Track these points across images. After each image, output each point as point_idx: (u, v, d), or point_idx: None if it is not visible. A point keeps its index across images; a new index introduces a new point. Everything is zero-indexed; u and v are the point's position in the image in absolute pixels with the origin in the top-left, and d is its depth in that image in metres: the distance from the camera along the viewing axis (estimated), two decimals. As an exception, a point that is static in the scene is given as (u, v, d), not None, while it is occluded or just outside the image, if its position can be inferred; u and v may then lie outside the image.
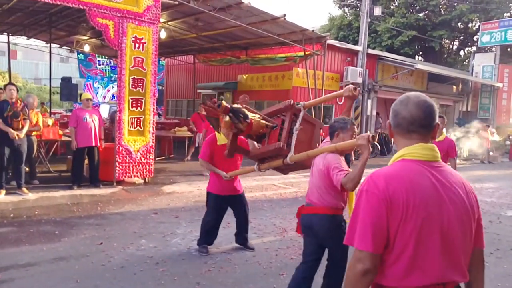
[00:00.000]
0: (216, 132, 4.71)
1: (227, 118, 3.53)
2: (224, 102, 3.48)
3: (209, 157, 4.76)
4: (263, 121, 3.67)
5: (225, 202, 4.94)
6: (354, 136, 3.32)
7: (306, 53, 12.54)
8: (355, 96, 3.59)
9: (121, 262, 4.60)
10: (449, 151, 6.37)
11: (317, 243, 3.50)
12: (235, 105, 3.63)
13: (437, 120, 1.71)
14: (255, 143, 4.10)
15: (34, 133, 8.06)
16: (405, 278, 1.59)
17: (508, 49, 25.91)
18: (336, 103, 16.61)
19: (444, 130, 6.57)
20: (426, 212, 1.57)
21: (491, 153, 18.92)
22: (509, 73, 23.71)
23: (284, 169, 4.09)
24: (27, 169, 7.85)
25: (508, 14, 26.01)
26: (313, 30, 11.94)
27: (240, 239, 5.21)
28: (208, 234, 5.03)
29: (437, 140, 6.46)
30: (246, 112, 3.56)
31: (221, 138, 4.69)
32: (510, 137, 19.78)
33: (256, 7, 9.92)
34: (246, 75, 17.08)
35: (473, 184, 11.02)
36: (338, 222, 3.38)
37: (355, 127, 3.43)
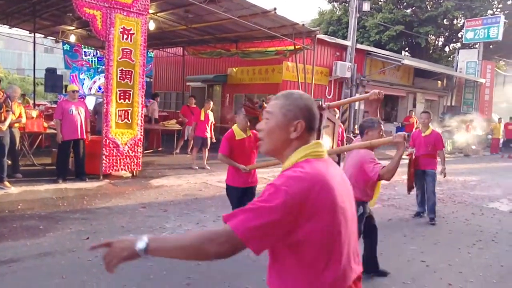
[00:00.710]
0: (233, 128, 4.95)
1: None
2: (265, 104, 3.74)
3: (228, 151, 4.89)
4: None
5: (241, 193, 5.10)
6: (381, 133, 3.85)
7: (296, 47, 12.46)
8: (380, 100, 3.88)
9: (109, 257, 4.49)
10: (436, 144, 6.74)
11: None
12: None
13: None
14: None
15: (16, 125, 7.82)
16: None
17: (491, 46, 26.24)
18: (325, 97, 16.60)
19: (430, 124, 6.89)
20: None
21: (473, 147, 19.24)
22: (491, 69, 24.06)
23: None
24: (9, 162, 7.64)
25: (491, 12, 26.30)
26: (303, 24, 11.85)
27: None
28: None
29: (423, 134, 6.69)
30: None
31: (239, 133, 4.90)
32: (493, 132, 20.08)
33: (247, 0, 9.81)
34: (236, 68, 16.95)
35: (457, 177, 11.34)
36: (356, 206, 3.80)
37: (382, 126, 3.92)
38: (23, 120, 7.94)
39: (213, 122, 10.75)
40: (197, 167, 10.19)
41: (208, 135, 10.42)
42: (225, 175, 9.69)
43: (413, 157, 6.52)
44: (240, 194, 5.08)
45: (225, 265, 4.47)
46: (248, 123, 4.85)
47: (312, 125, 1.57)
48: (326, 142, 3.90)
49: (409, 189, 6.38)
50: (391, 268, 4.62)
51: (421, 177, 6.78)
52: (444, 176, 6.85)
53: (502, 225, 6.78)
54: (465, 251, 5.43)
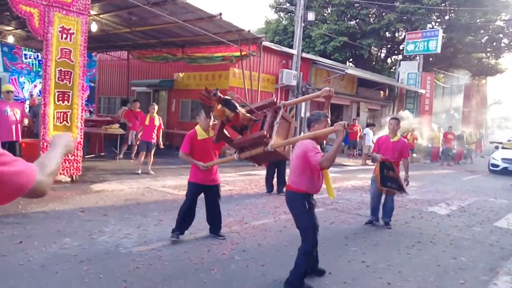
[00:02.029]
0: (196, 128, 5.24)
1: (219, 106, 3.93)
2: (218, 92, 3.91)
3: (189, 150, 5.14)
4: (248, 114, 4.20)
5: (200, 190, 5.34)
6: (327, 126, 3.98)
7: (242, 53, 12.60)
8: (331, 96, 4.17)
9: (42, 261, 4.32)
10: (402, 152, 6.87)
11: None
12: (227, 96, 4.03)
13: None
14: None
15: None
16: None
17: (430, 58, 27.74)
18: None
19: (398, 132, 6.97)
20: None
21: (414, 155, 20.21)
22: (431, 81, 25.40)
23: (261, 159, 4.61)
24: None
25: (430, 25, 27.84)
26: (249, 31, 12.02)
27: (214, 229, 5.60)
28: (183, 221, 5.32)
29: (392, 140, 6.83)
30: (236, 104, 4.00)
31: (201, 133, 5.20)
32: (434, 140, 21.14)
33: (192, 4, 9.82)
34: (183, 74, 16.84)
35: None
36: (302, 200, 4.01)
37: (328, 119, 4.03)
38: None
39: (161, 125, 10.30)
40: (139, 172, 9.97)
41: (154, 140, 10.11)
42: (168, 180, 9.61)
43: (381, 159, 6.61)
44: (198, 190, 5.32)
45: (165, 267, 4.45)
46: (210, 124, 5.11)
47: None
48: (276, 137, 4.07)
49: (400, 190, 6.59)
50: (332, 268, 4.72)
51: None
52: (407, 184, 6.91)
53: (440, 228, 7.06)
54: (405, 252, 5.60)
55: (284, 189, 9.05)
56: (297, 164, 3.99)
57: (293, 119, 4.67)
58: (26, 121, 8.21)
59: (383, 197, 6.96)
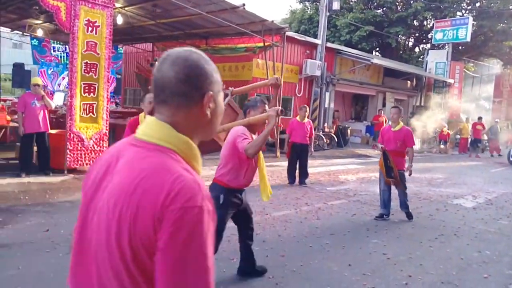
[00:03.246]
0: (139, 115, 4.86)
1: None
2: (157, 62, 3.44)
3: None
4: None
5: None
6: (263, 112, 3.62)
7: (266, 44, 12.55)
8: (278, 85, 3.78)
9: (68, 249, 4.45)
10: (406, 141, 6.57)
11: None
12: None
13: (203, 88, 1.11)
14: None
15: None
16: None
17: (460, 47, 26.98)
18: (295, 95, 16.77)
19: (400, 120, 6.70)
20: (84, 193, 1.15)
21: (442, 146, 19.83)
22: (460, 70, 24.71)
23: (200, 148, 4.16)
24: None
25: (460, 13, 27.04)
26: (272, 21, 11.95)
27: None
28: None
29: (393, 129, 6.62)
30: None
31: (143, 121, 4.80)
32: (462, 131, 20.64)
33: (216, -5, 9.84)
34: (206, 65, 16.91)
35: (424, 175, 11.65)
36: (217, 193, 3.56)
37: (266, 106, 3.71)
38: None
39: None
40: None
41: None
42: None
43: (385, 149, 6.52)
44: None
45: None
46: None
47: None
48: None
49: (396, 185, 6.51)
50: (352, 260, 4.71)
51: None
52: (410, 174, 6.76)
53: (465, 220, 6.93)
54: (427, 245, 5.52)
55: (306, 181, 9.12)
56: (224, 153, 3.65)
57: (241, 110, 4.18)
58: (52, 105, 8.33)
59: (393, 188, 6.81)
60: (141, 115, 4.85)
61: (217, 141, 3.86)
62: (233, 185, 3.60)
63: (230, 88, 3.89)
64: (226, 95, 3.78)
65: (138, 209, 0.95)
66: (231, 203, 3.65)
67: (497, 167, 15.82)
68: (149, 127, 1.11)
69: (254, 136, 3.62)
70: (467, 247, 5.54)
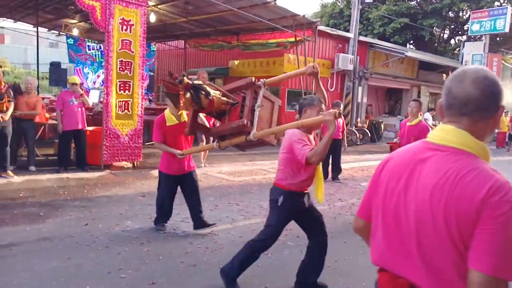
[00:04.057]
0: (165, 113, 4.77)
1: (188, 95, 3.49)
2: (185, 78, 3.42)
3: (162, 138, 4.75)
4: (224, 98, 3.69)
5: (175, 182, 4.97)
6: (321, 112, 3.38)
7: (297, 38, 12.45)
8: (316, 72, 3.58)
9: (106, 242, 4.58)
10: (420, 136, 6.19)
11: None
12: (196, 82, 3.56)
13: (500, 102, 1.38)
14: (205, 120, 4.43)
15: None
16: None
17: (498, 38, 26.00)
18: (328, 89, 16.59)
19: (420, 114, 6.24)
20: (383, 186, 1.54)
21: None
22: (497, 62, 23.78)
23: (244, 146, 4.08)
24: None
25: (498, 3, 26.03)
26: (303, 16, 11.84)
27: (198, 222, 5.08)
28: (164, 212, 5.09)
29: (409, 124, 6.23)
30: (208, 88, 3.53)
31: (170, 118, 4.74)
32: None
33: (247, -10, 9.83)
34: (238, 61, 16.97)
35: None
36: (277, 196, 3.50)
37: (323, 105, 3.46)
38: (38, 112, 7.97)
39: None
40: (206, 165, 9.46)
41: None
42: (224, 166, 9.73)
43: (398, 145, 6.27)
44: (173, 183, 4.94)
45: (221, 250, 4.56)
46: (181, 107, 4.45)
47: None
48: (259, 122, 3.56)
49: None
50: (362, 266, 4.63)
51: None
52: None
53: None
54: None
55: (339, 176, 9.02)
56: (280, 157, 3.50)
57: (278, 98, 4.03)
58: (90, 102, 8.51)
59: None
60: (166, 112, 4.78)
61: (264, 139, 3.69)
62: (294, 189, 3.47)
63: (262, 79, 3.72)
64: (259, 88, 3.66)
65: (460, 201, 1.27)
66: (291, 206, 3.53)
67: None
68: (451, 134, 1.38)
69: (311, 137, 3.47)
70: None
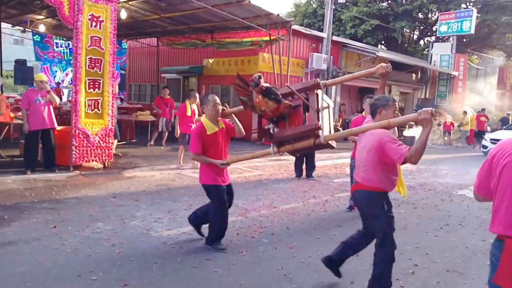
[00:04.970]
0: (202, 120, 4.39)
1: (261, 97, 3.32)
2: (262, 81, 3.29)
3: (201, 149, 4.32)
4: (287, 102, 3.55)
5: (225, 192, 4.51)
6: (396, 112, 3.40)
7: (272, 37, 12.43)
8: (388, 73, 3.58)
9: (76, 244, 4.41)
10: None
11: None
12: (266, 84, 3.43)
13: None
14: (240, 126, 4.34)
15: None
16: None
17: (464, 39, 26.74)
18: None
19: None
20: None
21: (445, 138, 19.85)
22: (464, 62, 24.52)
23: (300, 151, 3.97)
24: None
25: (464, 5, 26.78)
26: (278, 15, 11.83)
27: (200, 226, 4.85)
28: (224, 227, 4.58)
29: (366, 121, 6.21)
30: (277, 91, 3.38)
31: (210, 126, 4.35)
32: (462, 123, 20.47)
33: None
34: (212, 59, 16.81)
35: (429, 166, 11.59)
36: (379, 200, 3.43)
37: (397, 104, 3.46)
38: (2, 111, 7.63)
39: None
40: (184, 167, 9.26)
41: None
42: (199, 166, 9.56)
43: None
44: (223, 193, 4.47)
45: (196, 250, 4.47)
46: (219, 113, 4.34)
47: None
48: (325, 124, 3.49)
49: None
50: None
51: None
52: None
53: (469, 210, 6.96)
54: (433, 235, 5.55)
55: (313, 174, 9.04)
56: (369, 159, 3.37)
57: (330, 100, 3.96)
58: (57, 100, 8.16)
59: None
60: (204, 119, 4.40)
61: (330, 145, 3.66)
62: (388, 189, 3.47)
63: (323, 81, 3.61)
64: (319, 87, 3.55)
65: None
66: (390, 206, 3.52)
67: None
68: None
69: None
70: (471, 236, 5.58)
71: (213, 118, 4.36)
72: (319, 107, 3.48)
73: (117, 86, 10.35)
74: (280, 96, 3.40)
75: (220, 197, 4.42)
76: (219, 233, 4.52)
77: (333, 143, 3.79)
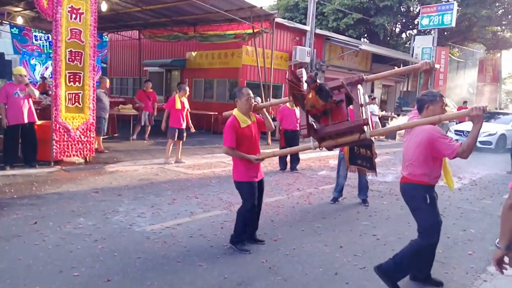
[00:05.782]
0: (235, 113, 4.28)
1: (313, 94, 3.24)
2: (317, 78, 3.23)
3: (235, 143, 4.17)
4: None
5: (256, 189, 4.37)
6: (443, 108, 3.46)
7: (255, 30, 12.38)
8: (431, 70, 3.63)
9: (57, 240, 4.34)
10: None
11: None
12: (319, 81, 3.34)
13: None
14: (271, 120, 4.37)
15: None
16: None
17: (445, 33, 27.05)
18: (285, 82, 16.65)
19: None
20: None
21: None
22: (445, 55, 24.85)
23: (341, 145, 3.93)
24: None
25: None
26: (261, 7, 11.77)
27: (254, 230, 4.61)
28: (251, 225, 4.46)
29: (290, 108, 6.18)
30: (328, 88, 3.33)
31: (243, 119, 4.24)
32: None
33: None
34: (195, 52, 16.66)
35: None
36: (423, 193, 3.52)
37: (444, 99, 3.50)
38: None
39: (189, 109, 9.35)
40: (172, 162, 9.13)
41: (184, 125, 9.11)
42: (183, 159, 9.50)
43: None
44: (255, 189, 4.33)
45: (180, 244, 4.44)
46: (252, 106, 4.28)
47: None
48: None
49: (371, 169, 6.35)
50: (343, 242, 4.73)
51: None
52: None
53: (450, 201, 7.04)
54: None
55: (297, 167, 9.07)
56: (418, 153, 3.47)
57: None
58: (37, 94, 7.99)
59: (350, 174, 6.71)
60: (236, 112, 4.27)
61: (369, 140, 3.64)
62: (433, 183, 3.57)
63: (364, 76, 3.57)
64: (361, 81, 3.53)
65: None
66: (435, 199, 3.60)
67: (481, 150, 15.93)
68: None
69: None
70: (453, 226, 5.65)
71: (246, 112, 4.28)
72: (363, 102, 3.49)
73: (108, 80, 10.11)
74: (330, 92, 3.34)
75: (251, 194, 4.30)
76: (242, 230, 4.38)
77: (372, 138, 3.80)
